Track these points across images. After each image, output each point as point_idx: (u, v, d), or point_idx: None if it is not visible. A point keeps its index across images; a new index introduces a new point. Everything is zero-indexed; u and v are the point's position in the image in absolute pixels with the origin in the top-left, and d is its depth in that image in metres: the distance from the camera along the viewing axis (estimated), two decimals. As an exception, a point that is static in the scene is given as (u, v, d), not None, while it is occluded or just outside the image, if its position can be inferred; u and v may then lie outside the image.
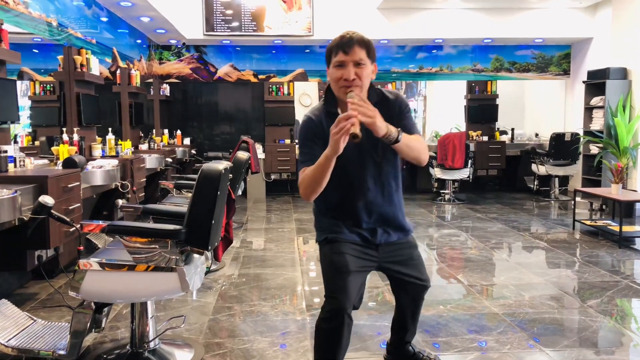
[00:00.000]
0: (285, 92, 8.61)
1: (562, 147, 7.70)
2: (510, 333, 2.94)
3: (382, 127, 1.76)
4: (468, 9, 7.99)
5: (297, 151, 8.34)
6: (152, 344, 2.58)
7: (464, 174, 7.60)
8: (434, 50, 8.86)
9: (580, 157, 7.62)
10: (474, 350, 2.72)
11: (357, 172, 2.01)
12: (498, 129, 8.92)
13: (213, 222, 2.41)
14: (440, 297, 3.62)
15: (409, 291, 2.21)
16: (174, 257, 2.35)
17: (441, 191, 7.97)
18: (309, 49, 8.65)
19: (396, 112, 2.01)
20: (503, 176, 8.89)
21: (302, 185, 1.90)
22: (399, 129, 1.83)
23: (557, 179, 8.02)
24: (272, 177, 8.35)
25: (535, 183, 8.35)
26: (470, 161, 7.59)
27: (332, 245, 2.03)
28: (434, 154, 7.68)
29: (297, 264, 4.50)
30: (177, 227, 2.36)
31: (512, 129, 8.90)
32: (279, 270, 4.26)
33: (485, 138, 8.64)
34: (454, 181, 7.86)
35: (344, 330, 1.93)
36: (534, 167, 8.14)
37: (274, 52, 8.68)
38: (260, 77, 8.71)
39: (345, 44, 1.87)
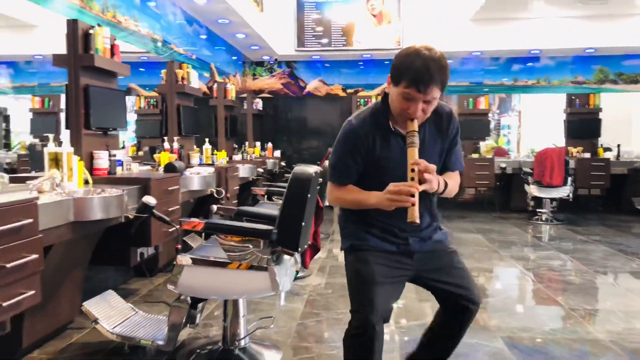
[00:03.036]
0: (374, 106, 8.60)
1: (676, 164, 7.02)
2: None
3: (436, 184, 1.73)
4: (568, 17, 7.59)
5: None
6: (242, 342, 2.64)
7: (564, 192, 7.14)
8: (529, 62, 8.49)
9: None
10: (578, 374, 2.51)
11: (398, 176, 1.76)
12: (601, 145, 8.32)
13: (303, 224, 2.43)
14: (538, 320, 3.39)
15: (456, 305, 1.92)
16: (265, 256, 2.39)
17: (537, 210, 7.54)
18: (399, 63, 8.61)
19: (448, 134, 1.89)
20: (607, 196, 8.25)
21: (333, 201, 1.90)
22: (446, 182, 1.79)
23: (670, 200, 7.31)
24: (359, 191, 8.33)
25: (645, 204, 7.67)
26: (570, 179, 7.13)
27: (357, 253, 1.89)
28: (530, 170, 7.31)
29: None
30: (269, 227, 2.41)
31: (618, 146, 8.25)
32: (365, 281, 4.21)
33: (587, 155, 8.08)
34: (551, 200, 7.41)
35: (374, 346, 1.77)
36: (643, 186, 7.48)
37: (361, 66, 8.74)
38: (349, 91, 8.79)
39: (424, 81, 1.65)
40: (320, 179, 2.93)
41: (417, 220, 1.61)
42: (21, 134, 7.74)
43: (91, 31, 3.34)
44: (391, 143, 1.80)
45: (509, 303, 3.80)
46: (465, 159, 7.83)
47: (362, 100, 8.60)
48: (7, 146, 7.58)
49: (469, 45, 7.76)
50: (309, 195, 2.42)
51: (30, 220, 2.10)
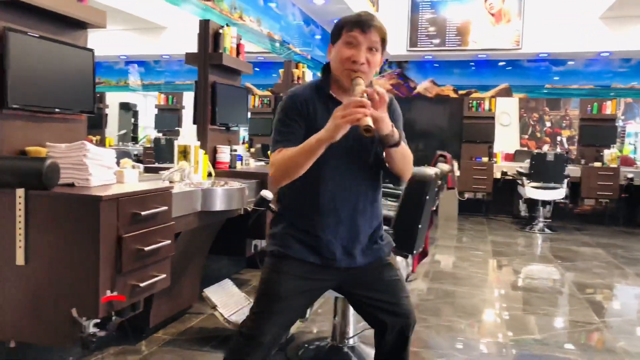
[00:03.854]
0: (486, 107, 8.26)
1: None
2: None
3: (389, 124, 1.53)
4: None
5: (493, 168, 7.93)
6: (351, 341, 2.65)
7: (702, 208, 6.39)
8: (668, 64, 7.69)
9: None
10: None
11: (338, 171, 1.66)
12: None
13: (420, 226, 2.39)
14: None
15: (381, 323, 1.74)
16: (380, 257, 2.38)
17: (670, 226, 6.82)
18: (514, 63, 8.21)
19: (390, 117, 1.63)
20: None
21: (277, 165, 1.60)
22: (401, 131, 1.58)
23: None
24: (466, 195, 8.06)
25: None
26: None
27: (276, 260, 1.70)
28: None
29: (494, 286, 4.24)
30: (385, 227, 2.39)
31: None
32: (474, 290, 4.06)
33: None
34: (687, 216, 6.66)
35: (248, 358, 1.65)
36: None
37: (473, 67, 8.43)
38: (460, 92, 8.52)
39: (365, 22, 1.60)
40: (439, 181, 2.87)
41: (372, 124, 1.41)
42: (147, 129, 8.44)
43: (221, 31, 3.53)
44: (332, 112, 1.52)
45: (636, 325, 3.47)
46: (586, 168, 7.29)
47: (474, 102, 8.29)
48: (135, 139, 8.30)
49: (596, 45, 7.19)
50: (427, 198, 2.38)
51: (166, 208, 2.26)
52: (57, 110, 2.25)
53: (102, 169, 2.20)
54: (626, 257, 5.48)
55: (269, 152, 1.71)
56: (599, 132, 7.65)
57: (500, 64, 8.30)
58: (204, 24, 3.43)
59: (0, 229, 2.02)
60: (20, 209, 1.98)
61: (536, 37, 7.40)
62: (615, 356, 2.86)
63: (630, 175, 7.16)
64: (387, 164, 1.68)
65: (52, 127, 2.28)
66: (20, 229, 1.98)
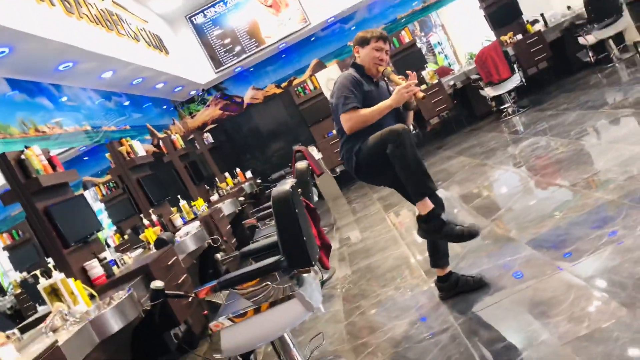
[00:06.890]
0: (311, 87, 8.61)
1: (600, 7, 7.17)
2: (635, 214, 2.79)
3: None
4: None
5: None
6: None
7: (516, 80, 7.26)
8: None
9: (624, 8, 7.07)
10: (607, 245, 2.60)
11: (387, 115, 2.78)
12: (527, 21, 8.45)
13: (305, 238, 2.46)
14: (549, 208, 3.49)
15: None
16: (287, 285, 2.42)
17: (501, 107, 7.68)
18: (313, 36, 8.62)
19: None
20: (555, 65, 8.40)
21: (356, 120, 2.67)
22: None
23: (611, 40, 7.48)
24: (337, 170, 8.38)
25: (591, 55, 7.84)
26: (515, 66, 7.25)
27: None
28: (477, 76, 7.41)
29: (399, 239, 4.50)
30: (276, 257, 2.43)
31: (542, 15, 8.39)
32: (385, 254, 4.28)
33: (520, 36, 8.21)
34: (509, 92, 7.53)
35: None
36: (581, 40, 7.64)
37: (283, 56, 8.72)
38: (283, 85, 8.77)
39: (386, 37, 2.80)
40: (300, 189, 2.96)
41: (424, 93, 2.68)
42: (8, 273, 7.55)
43: (23, 156, 3.26)
44: (370, 85, 2.82)
45: (517, 207, 3.87)
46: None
47: (299, 87, 8.58)
48: (1, 291, 7.39)
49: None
50: (296, 210, 2.44)
51: (62, 365, 2.09)
52: None
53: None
54: (484, 152, 6.05)
55: (341, 112, 2.71)
56: (410, 60, 8.31)
57: (302, 43, 8.67)
58: (1, 159, 3.13)
59: None
60: None
61: (317, 7, 7.82)
62: (514, 244, 3.18)
63: (451, 83, 7.91)
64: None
65: None
66: None
